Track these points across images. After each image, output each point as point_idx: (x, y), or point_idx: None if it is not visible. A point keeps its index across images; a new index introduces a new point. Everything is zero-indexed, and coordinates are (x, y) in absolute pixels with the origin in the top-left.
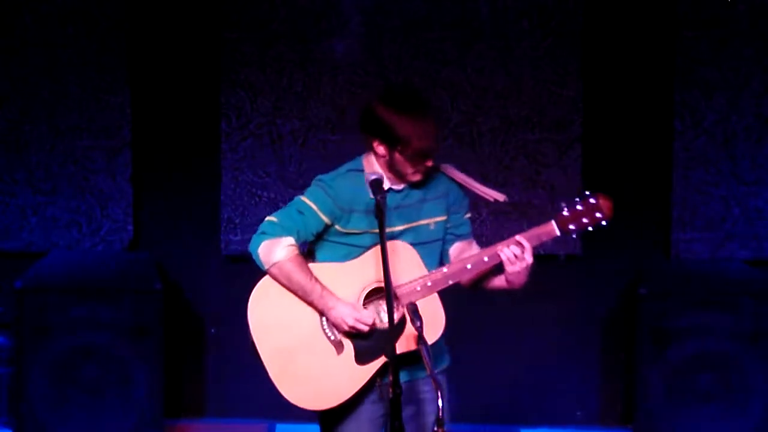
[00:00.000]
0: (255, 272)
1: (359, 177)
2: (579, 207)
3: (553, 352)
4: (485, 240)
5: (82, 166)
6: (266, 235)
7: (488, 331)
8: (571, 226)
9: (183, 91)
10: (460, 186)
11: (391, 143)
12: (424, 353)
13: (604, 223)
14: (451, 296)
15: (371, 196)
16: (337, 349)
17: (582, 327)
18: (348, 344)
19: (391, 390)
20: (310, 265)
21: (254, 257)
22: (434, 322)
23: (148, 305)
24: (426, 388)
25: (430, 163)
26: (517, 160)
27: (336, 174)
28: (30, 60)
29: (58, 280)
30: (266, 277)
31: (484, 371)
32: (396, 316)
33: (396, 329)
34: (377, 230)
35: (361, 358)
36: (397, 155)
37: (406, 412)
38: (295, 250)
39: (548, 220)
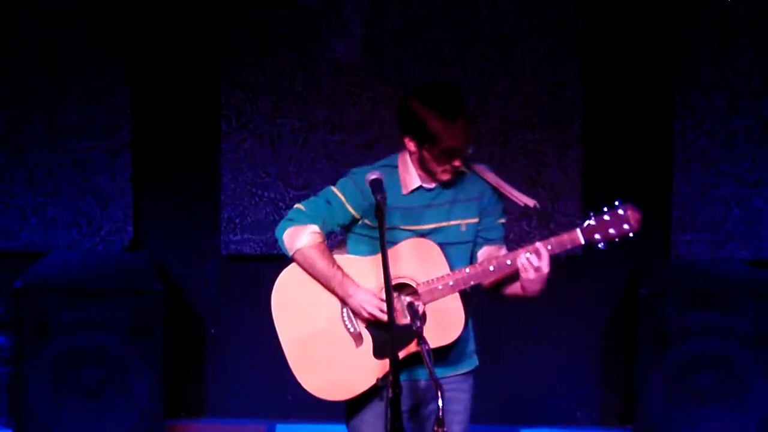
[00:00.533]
0: (255, 272)
1: (393, 173)
2: (606, 217)
3: (554, 352)
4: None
5: (82, 166)
6: (292, 221)
7: (488, 331)
8: (597, 236)
9: (183, 92)
10: (495, 189)
11: (420, 140)
12: (424, 354)
13: (631, 235)
14: None
15: (373, 195)
16: (356, 342)
17: (582, 327)
18: (367, 337)
19: (391, 390)
20: (336, 256)
21: (279, 243)
22: (453, 322)
23: (148, 305)
24: (427, 389)
25: (458, 164)
26: (517, 160)
27: (370, 168)
28: (30, 60)
29: (58, 281)
30: (289, 267)
31: (483, 371)
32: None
33: (414, 327)
34: (407, 227)
35: (380, 351)
36: (425, 152)
37: (422, 409)
38: (318, 238)
39: (573, 227)
